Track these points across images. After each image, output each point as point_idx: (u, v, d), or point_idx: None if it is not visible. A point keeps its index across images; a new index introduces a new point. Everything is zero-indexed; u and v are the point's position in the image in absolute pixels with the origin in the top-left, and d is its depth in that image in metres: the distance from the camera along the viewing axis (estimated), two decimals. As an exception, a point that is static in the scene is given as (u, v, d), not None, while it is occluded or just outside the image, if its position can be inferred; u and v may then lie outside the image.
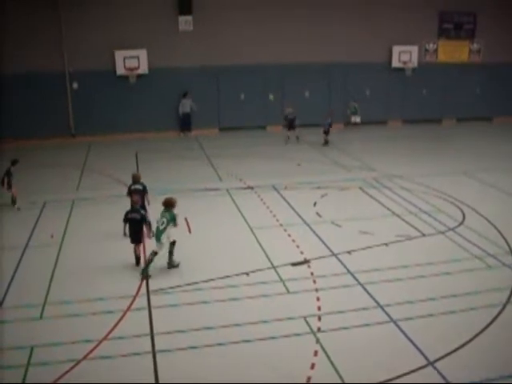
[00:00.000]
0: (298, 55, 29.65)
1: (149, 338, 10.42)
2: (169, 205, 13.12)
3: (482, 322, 11.04)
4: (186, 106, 29.14)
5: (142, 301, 11.81)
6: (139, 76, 28.14)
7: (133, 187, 15.11)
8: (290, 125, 27.02)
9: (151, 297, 11.97)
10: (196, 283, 12.49)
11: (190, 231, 15.74)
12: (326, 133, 26.64)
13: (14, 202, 17.57)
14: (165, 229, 12.82)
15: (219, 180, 20.76)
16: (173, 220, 12.96)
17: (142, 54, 27.80)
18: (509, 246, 14.84)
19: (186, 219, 16.33)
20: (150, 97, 28.47)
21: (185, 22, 28.21)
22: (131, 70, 27.86)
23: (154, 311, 11.39)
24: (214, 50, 28.70)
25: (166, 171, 21.94)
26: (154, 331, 10.62)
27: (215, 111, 29.70)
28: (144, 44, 27.68)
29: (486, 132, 30.67)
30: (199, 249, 14.49)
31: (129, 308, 11.48)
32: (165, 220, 12.86)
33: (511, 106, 33.60)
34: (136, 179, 15.31)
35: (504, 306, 11.69)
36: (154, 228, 13.29)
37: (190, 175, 21.34)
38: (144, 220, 13.36)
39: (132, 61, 27.76)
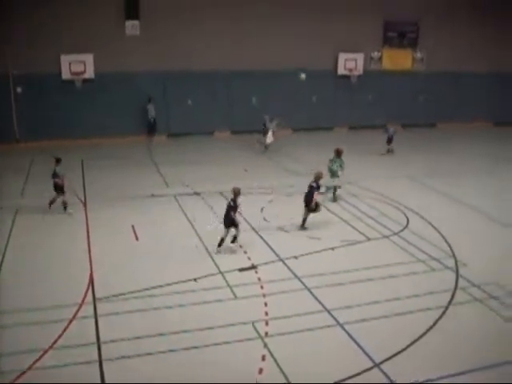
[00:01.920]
0: (246, 61, 29.72)
1: (95, 346, 10.24)
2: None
3: (426, 323, 11.30)
4: (152, 110, 29.00)
5: (88, 309, 11.59)
6: (85, 81, 27.66)
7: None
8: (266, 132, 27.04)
9: (97, 305, 11.76)
10: (144, 290, 12.34)
11: (136, 238, 15.55)
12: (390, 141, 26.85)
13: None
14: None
15: (166, 186, 20.57)
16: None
17: (89, 58, 27.38)
18: (451, 249, 15.22)
19: (132, 226, 16.15)
20: (97, 102, 27.98)
21: (131, 27, 27.87)
22: (77, 74, 27.41)
23: (100, 319, 11.20)
24: (161, 55, 28.42)
25: (112, 178, 21.60)
26: (101, 339, 10.45)
27: (163, 117, 29.41)
28: (91, 48, 27.23)
29: (429, 137, 31.38)
30: (146, 256, 14.33)
31: (74, 316, 11.25)
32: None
33: (454, 113, 34.57)
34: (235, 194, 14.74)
35: (446, 308, 12.00)
36: None
37: (137, 182, 21.05)
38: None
39: (78, 65, 27.31)
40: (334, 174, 19.28)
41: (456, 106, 34.72)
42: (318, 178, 16.77)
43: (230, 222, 14.54)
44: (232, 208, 14.51)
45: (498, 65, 34.85)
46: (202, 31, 28.94)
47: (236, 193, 14.64)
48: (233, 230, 14.63)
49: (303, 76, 28.38)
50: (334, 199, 19.08)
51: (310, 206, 16.44)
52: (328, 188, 18.78)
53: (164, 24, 28.27)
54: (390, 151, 27.00)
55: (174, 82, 29.05)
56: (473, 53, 34.33)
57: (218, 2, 28.98)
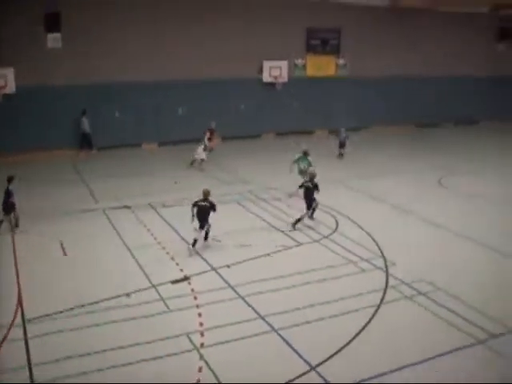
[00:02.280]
0: (171, 72, 29.52)
1: (26, 369, 9.88)
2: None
3: (360, 323, 11.51)
4: (85, 124, 28.34)
5: (17, 331, 11.17)
6: (6, 95, 26.74)
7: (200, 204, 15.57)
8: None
9: (27, 326, 11.34)
10: (75, 308, 11.99)
11: (65, 255, 15.14)
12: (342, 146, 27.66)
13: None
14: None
15: (95, 201, 20.13)
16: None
17: (9, 72, 26.49)
18: (380, 249, 15.57)
19: (61, 243, 15.74)
20: (18, 117, 27.11)
21: (53, 39, 27.24)
22: (-4, 88, 26.46)
23: (30, 341, 10.79)
24: (83, 68, 27.80)
25: (37, 194, 20.90)
26: (32, 362, 10.08)
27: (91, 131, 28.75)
28: (11, 62, 26.34)
29: (355, 141, 31.97)
30: (76, 272, 13.97)
31: (4, 339, 10.83)
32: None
33: (377, 117, 35.54)
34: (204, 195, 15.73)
35: (378, 307, 12.24)
36: None
37: (65, 198, 20.43)
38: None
39: (-2, 80, 26.37)
40: (302, 172, 20.31)
41: (383, 110, 35.70)
42: (312, 177, 17.53)
43: (206, 221, 15.41)
44: (211, 207, 15.42)
45: (413, 70, 36.27)
46: (124, 43, 28.51)
47: (206, 193, 15.59)
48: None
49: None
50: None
51: (313, 205, 17.27)
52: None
53: (87, 36, 27.62)
54: (341, 155, 27.69)
55: (98, 94, 28.49)
56: (394, 57, 35.49)
57: (139, 14, 28.68)
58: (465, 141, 34.08)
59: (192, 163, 25.31)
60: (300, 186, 17.73)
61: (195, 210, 15.41)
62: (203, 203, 15.49)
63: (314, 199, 17.43)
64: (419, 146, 31.50)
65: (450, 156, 28.64)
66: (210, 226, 15.64)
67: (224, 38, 30.63)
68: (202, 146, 25.24)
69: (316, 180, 17.46)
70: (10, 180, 17.04)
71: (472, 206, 20.26)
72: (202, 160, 24.98)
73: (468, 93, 38.73)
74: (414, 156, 28.65)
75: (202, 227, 15.43)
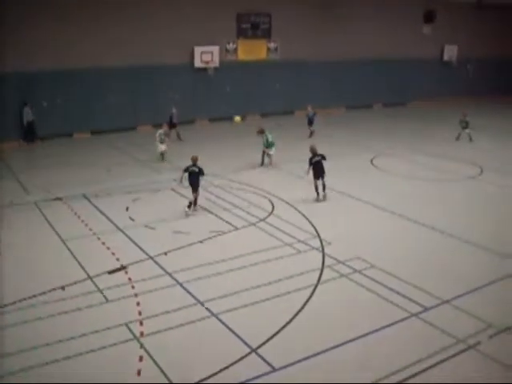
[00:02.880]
0: (102, 58, 28.89)
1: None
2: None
3: (298, 303, 11.68)
4: (28, 114, 27.59)
5: None
6: None
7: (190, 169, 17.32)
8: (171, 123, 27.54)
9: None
10: (10, 304, 11.66)
11: (-4, 249, 14.70)
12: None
13: None
14: None
15: (25, 193, 19.55)
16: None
17: None
18: (316, 229, 15.81)
19: (-9, 238, 15.28)
20: None
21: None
22: None
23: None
24: (8, 57, 26.81)
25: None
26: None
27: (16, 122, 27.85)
28: None
29: (287, 125, 32.25)
30: (9, 268, 13.54)
31: None
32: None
33: (307, 99, 35.78)
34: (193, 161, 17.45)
35: (315, 287, 12.44)
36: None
37: None
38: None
39: None
40: (271, 145, 23.06)
41: (309, 94, 36.05)
42: (314, 150, 18.65)
43: (197, 185, 17.23)
44: (199, 173, 17.21)
45: (342, 53, 36.81)
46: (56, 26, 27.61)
47: (195, 159, 17.43)
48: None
49: (238, 119, 28.21)
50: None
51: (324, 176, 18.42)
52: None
53: (18, 19, 26.57)
54: (312, 134, 28.68)
55: (32, 82, 27.57)
56: (319, 41, 35.89)
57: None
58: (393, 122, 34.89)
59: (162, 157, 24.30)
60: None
61: (186, 174, 17.24)
62: (193, 168, 17.23)
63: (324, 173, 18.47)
64: (349, 128, 32.05)
65: (384, 138, 29.28)
66: (198, 194, 17.40)
67: (155, 25, 30.19)
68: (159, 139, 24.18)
69: None
70: None
71: (404, 185, 20.84)
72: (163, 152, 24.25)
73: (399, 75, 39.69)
74: (346, 138, 29.14)
75: (195, 190, 17.25)
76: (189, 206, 17.09)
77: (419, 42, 40.25)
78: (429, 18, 39.51)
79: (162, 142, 23.95)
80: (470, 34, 43.14)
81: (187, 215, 16.97)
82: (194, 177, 17.23)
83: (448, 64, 43.15)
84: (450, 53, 42.98)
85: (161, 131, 24.01)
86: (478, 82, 44.13)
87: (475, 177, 21.90)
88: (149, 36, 30.10)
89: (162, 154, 24.03)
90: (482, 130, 30.14)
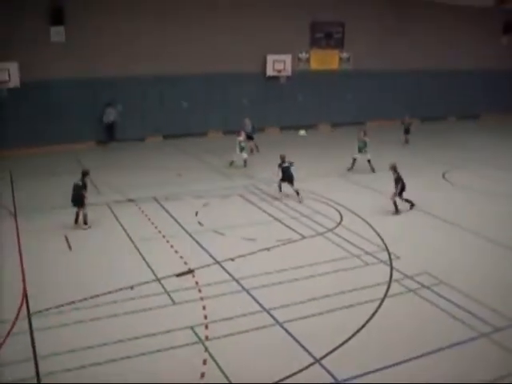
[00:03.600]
0: (173, 67, 29.53)
1: (32, 362, 9.88)
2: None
3: (363, 316, 11.50)
4: (110, 115, 28.61)
5: (22, 324, 11.20)
6: (11, 89, 26.69)
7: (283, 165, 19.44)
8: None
9: (32, 319, 11.38)
10: (80, 301, 12.01)
11: (70, 248, 15.17)
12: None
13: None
14: None
15: (98, 194, 20.12)
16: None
17: (13, 66, 26.41)
18: (384, 242, 15.56)
19: (65, 236, 15.77)
20: (24, 111, 27.07)
21: (56, 33, 27.16)
22: (1, 83, 26.39)
23: (36, 334, 10.81)
24: (87, 61, 27.83)
25: (42, 187, 20.97)
26: (38, 355, 10.09)
27: (93, 123, 28.72)
28: (15, 56, 26.20)
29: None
30: (82, 266, 13.99)
31: (9, 333, 10.85)
32: None
33: (381, 111, 35.52)
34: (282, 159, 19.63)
35: (382, 301, 12.24)
36: None
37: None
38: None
39: (1, 74, 26.27)
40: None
41: (382, 104, 35.70)
42: (283, 157, 19.93)
43: (292, 177, 19.49)
44: (290, 165, 19.51)
45: (416, 64, 36.24)
46: (127, 37, 28.51)
47: (283, 156, 19.60)
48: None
49: (303, 132, 28.56)
50: None
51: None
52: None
53: (90, 29, 27.54)
54: (407, 141, 29.55)
55: (103, 88, 28.46)
56: (391, 52, 35.45)
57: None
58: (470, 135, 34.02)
59: (231, 164, 24.43)
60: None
61: (280, 170, 19.37)
62: (285, 164, 19.31)
63: None
64: (425, 141, 31.41)
65: (456, 151, 28.59)
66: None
67: (229, 33, 30.58)
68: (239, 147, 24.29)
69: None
70: (84, 174, 17.05)
71: (471, 199, 20.27)
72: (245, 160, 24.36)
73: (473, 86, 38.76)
74: (420, 151, 28.56)
75: (292, 183, 19.33)
76: (298, 193, 19.19)
77: (497, 54, 39.20)
78: (508, 28, 38.53)
79: (241, 150, 24.09)
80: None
81: (301, 202, 18.97)
82: (287, 171, 19.23)
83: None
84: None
85: (240, 138, 24.13)
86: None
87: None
88: (222, 44, 30.48)
89: (245, 161, 24.09)
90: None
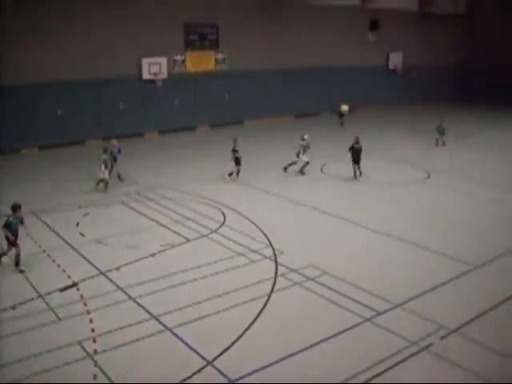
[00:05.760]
0: (43, 72, 28.40)
1: None
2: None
3: (252, 314, 11.75)
4: None
5: None
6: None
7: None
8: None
9: None
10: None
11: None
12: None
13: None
14: None
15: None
16: None
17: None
18: (268, 239, 15.91)
19: None
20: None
21: None
22: None
23: None
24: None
25: None
26: None
27: None
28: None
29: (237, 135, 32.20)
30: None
31: None
32: None
33: (260, 109, 36.15)
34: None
35: (269, 296, 12.52)
36: None
37: None
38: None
39: None
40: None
41: (261, 103, 36.36)
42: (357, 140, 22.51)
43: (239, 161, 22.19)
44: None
45: (290, 63, 37.25)
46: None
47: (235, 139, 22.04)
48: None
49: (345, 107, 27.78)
50: None
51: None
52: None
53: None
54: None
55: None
56: (266, 52, 36.23)
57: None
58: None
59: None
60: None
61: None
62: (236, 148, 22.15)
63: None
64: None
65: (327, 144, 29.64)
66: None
67: (103, 37, 29.87)
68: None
69: None
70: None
71: (352, 191, 21.23)
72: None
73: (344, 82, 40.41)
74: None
75: (239, 164, 22.13)
76: (230, 175, 21.33)
77: (365, 51, 41.16)
78: (374, 25, 40.58)
79: (106, 168, 20.89)
80: (414, 42, 44.41)
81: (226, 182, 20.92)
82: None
83: (393, 71, 44.10)
84: (395, 60, 43.92)
85: (105, 157, 20.97)
86: (422, 89, 45.40)
87: (423, 181, 22.52)
88: (96, 49, 29.70)
89: (105, 182, 20.89)
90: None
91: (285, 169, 23.53)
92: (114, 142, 22.73)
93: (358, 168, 22.61)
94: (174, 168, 24.56)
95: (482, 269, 14.25)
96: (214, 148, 28.46)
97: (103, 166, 20.80)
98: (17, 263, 14.12)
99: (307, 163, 23.08)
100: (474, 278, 13.79)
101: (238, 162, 22.13)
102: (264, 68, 36.30)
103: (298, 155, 23.16)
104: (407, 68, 44.37)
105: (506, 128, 36.26)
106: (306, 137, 23.09)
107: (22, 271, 13.98)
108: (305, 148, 22.98)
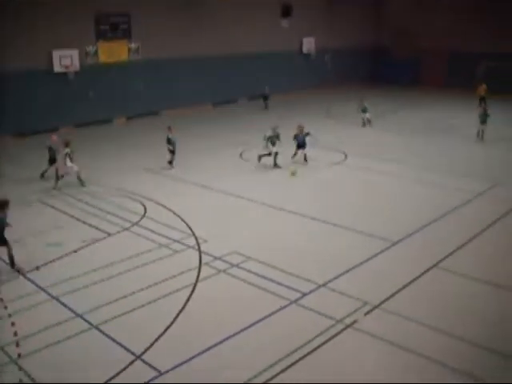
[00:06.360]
0: None
1: None
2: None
3: (178, 304, 11.78)
4: None
5: None
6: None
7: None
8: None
9: None
10: None
11: None
12: None
13: None
14: None
15: None
16: None
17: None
18: (190, 228, 15.91)
19: None
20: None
21: None
22: None
23: None
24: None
25: None
26: None
27: None
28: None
29: (155, 126, 31.80)
30: None
31: None
32: None
33: (176, 99, 35.83)
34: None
35: (195, 285, 12.58)
36: None
37: None
38: None
39: None
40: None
41: (178, 93, 36.06)
42: (300, 129, 23.25)
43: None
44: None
45: (204, 50, 37.15)
46: None
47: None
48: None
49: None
50: None
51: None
52: None
53: None
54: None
55: None
56: (180, 40, 35.94)
57: None
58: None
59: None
60: None
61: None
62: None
63: None
64: (218, 124, 32.35)
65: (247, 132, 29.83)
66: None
67: (9, 30, 28.66)
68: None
69: None
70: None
71: (275, 178, 21.49)
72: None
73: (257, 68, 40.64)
74: (212, 134, 29.41)
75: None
76: (170, 162, 22.13)
77: (279, 36, 41.50)
78: (286, 12, 40.82)
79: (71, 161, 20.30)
80: (326, 26, 45.25)
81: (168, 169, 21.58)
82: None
83: (307, 56, 44.78)
84: (309, 45, 44.58)
85: (67, 150, 20.30)
86: (336, 72, 46.38)
87: (340, 162, 23.07)
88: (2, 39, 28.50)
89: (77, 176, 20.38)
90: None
91: (259, 158, 23.11)
92: (54, 137, 22.11)
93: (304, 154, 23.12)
94: (91, 162, 24.01)
95: (399, 244, 14.82)
96: (132, 140, 28.07)
97: (68, 160, 20.25)
98: (12, 263, 13.64)
99: (276, 154, 22.70)
100: (393, 253, 14.32)
101: (172, 151, 22.44)
102: (179, 57, 35.94)
103: (267, 147, 22.93)
104: (320, 52, 45.15)
105: (416, 108, 37.73)
106: (273, 127, 23.09)
107: (19, 271, 13.50)
108: (273, 139, 22.70)
